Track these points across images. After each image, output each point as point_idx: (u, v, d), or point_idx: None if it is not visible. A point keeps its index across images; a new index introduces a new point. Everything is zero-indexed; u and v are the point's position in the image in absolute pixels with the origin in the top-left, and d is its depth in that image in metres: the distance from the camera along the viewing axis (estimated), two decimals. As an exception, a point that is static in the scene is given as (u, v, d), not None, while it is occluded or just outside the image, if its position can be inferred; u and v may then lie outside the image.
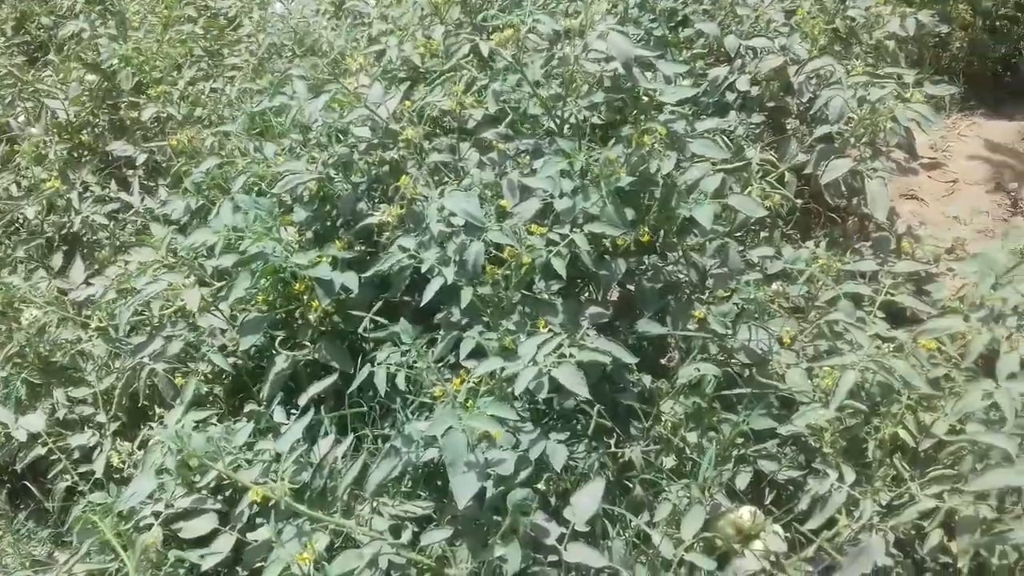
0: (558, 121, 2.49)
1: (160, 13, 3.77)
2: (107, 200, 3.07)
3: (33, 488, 2.05)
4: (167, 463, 1.67)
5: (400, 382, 1.83)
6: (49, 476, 2.10)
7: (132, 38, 3.58)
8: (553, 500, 1.91)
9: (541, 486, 1.73)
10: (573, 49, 2.29)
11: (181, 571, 1.78)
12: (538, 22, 2.32)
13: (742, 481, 2.02)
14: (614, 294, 2.58)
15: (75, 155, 3.35)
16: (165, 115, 3.31)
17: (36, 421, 2.02)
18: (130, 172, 3.34)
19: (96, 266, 2.86)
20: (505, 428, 1.64)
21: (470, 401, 1.65)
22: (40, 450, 2.04)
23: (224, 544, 1.76)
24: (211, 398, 2.24)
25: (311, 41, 3.76)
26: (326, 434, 1.90)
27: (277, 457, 1.83)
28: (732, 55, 3.26)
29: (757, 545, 1.92)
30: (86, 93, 3.51)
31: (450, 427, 1.56)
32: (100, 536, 1.71)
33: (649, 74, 2.51)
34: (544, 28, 2.32)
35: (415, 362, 1.75)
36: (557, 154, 2.24)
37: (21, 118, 3.54)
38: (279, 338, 2.31)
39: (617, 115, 2.75)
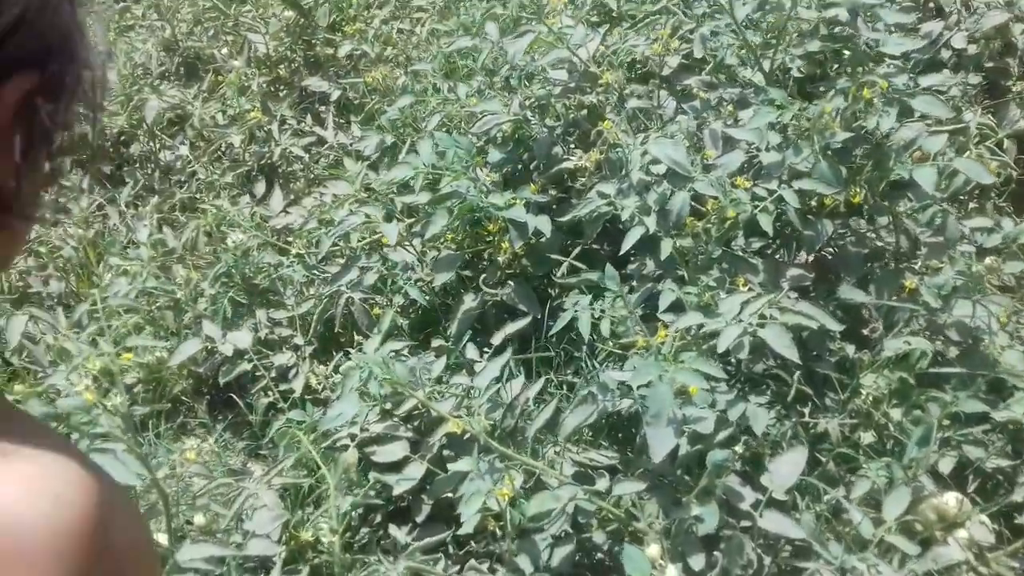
0: (763, 71, 2.37)
1: (356, -50, 3.84)
2: (303, 133, 3.18)
3: (239, 401, 2.17)
4: (370, 388, 1.72)
5: (592, 329, 1.81)
6: (252, 392, 2.22)
7: (331, -26, 3.66)
8: (740, 465, 1.86)
9: (739, 449, 1.67)
10: (793, -7, 2.15)
11: (372, 492, 1.84)
12: (756, -37, 2.20)
13: (946, 465, 1.89)
14: (806, 257, 2.46)
15: (273, 88, 3.49)
16: (359, 52, 3.39)
17: (244, 338, 2.13)
18: (322, 108, 3.45)
19: (291, 196, 2.98)
20: (703, 387, 1.59)
21: (673, 354, 1.61)
22: (246, 366, 2.15)
23: (415, 471, 1.81)
24: (399, 330, 2.30)
25: (501, -18, 3.74)
26: (514, 375, 1.91)
27: (467, 392, 1.86)
28: (946, 9, 3.03)
29: (961, 534, 1.80)
30: (284, 29, 3.64)
31: (653, 378, 1.52)
32: (301, 452, 1.79)
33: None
34: (761, -30, 2.20)
35: (615, 310, 1.72)
36: (766, 104, 2.13)
37: (224, 50, 3.71)
38: (465, 277, 2.34)
39: (818, 68, 2.60)
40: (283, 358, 2.20)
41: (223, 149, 3.16)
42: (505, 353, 1.83)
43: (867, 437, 1.93)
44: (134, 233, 2.67)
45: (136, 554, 0.54)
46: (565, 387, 2.03)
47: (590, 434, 1.98)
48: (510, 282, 2.15)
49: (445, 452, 1.95)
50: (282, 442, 1.81)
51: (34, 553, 0.47)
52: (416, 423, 2.02)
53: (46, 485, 0.49)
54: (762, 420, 1.67)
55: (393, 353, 1.91)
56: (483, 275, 2.38)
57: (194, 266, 2.47)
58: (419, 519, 1.90)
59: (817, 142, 2.05)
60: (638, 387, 1.65)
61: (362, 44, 3.35)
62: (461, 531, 1.55)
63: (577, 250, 2.05)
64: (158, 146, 3.24)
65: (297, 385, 2.13)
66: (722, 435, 1.65)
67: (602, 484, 1.61)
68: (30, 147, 0.47)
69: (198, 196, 2.90)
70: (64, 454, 0.51)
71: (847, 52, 2.45)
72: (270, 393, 2.11)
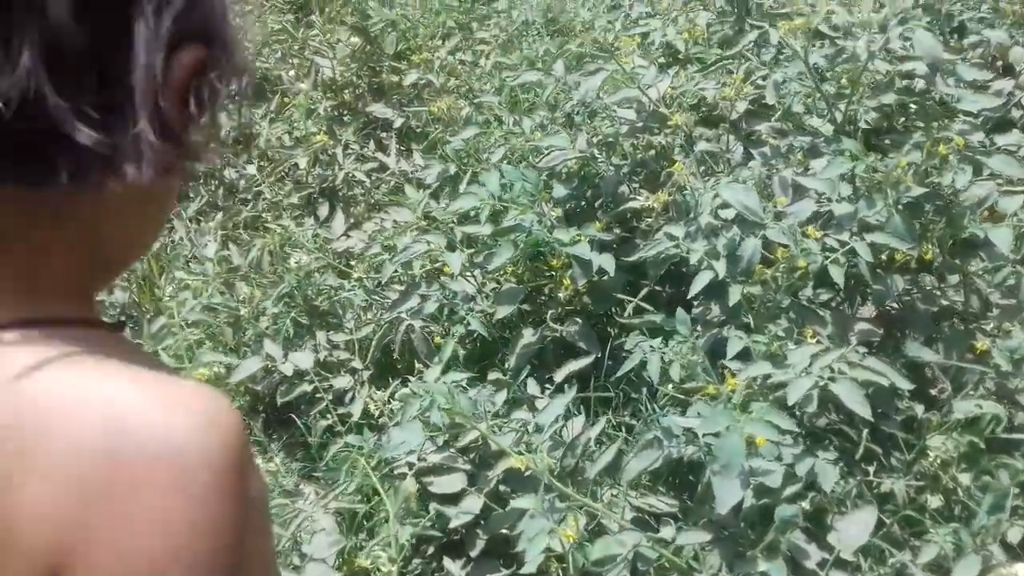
0: (834, 121, 2.36)
1: (425, -19, 3.90)
2: (365, 159, 3.22)
3: (298, 421, 2.18)
4: (432, 417, 1.72)
5: (655, 372, 1.80)
6: (308, 413, 2.23)
7: (398, 3, 3.73)
8: (804, 521, 1.82)
9: (805, 505, 1.64)
10: (870, 44, 2.15)
11: (428, 523, 1.83)
12: (832, 13, 2.20)
13: (1015, 535, 1.85)
14: (869, 311, 2.43)
15: (338, 113, 3.54)
16: (423, 82, 3.43)
17: (306, 359, 2.15)
18: (384, 134, 3.49)
19: (351, 220, 3.01)
20: (775, 439, 1.57)
21: (742, 404, 1.59)
22: (306, 387, 2.16)
23: (473, 504, 1.81)
24: (455, 361, 2.30)
25: (565, 20, 3.78)
26: (575, 414, 1.90)
27: (528, 428, 1.85)
28: (1016, 68, 3.01)
29: (1029, 605, 1.75)
30: (350, 55, 3.70)
31: (724, 428, 1.51)
32: (361, 478, 1.79)
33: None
34: (839, 20, 2.20)
35: (684, 355, 1.71)
36: (840, 155, 2.12)
37: (291, 72, 3.78)
38: (523, 311, 2.34)
39: (885, 120, 2.59)
40: (342, 381, 2.21)
41: (287, 170, 3.21)
42: (570, 391, 1.82)
43: (934, 501, 1.88)
44: (198, 248, 2.71)
45: (261, 501, 0.55)
46: (624, 429, 2.01)
47: (648, 479, 1.96)
48: (576, 320, 2.15)
49: (501, 487, 1.95)
50: (343, 466, 1.81)
51: (194, 479, 0.47)
52: (472, 455, 2.02)
53: (202, 408, 0.49)
54: (831, 477, 1.64)
55: (454, 384, 1.90)
56: (543, 310, 2.38)
57: (256, 284, 2.50)
58: (473, 553, 1.89)
59: (891, 196, 2.03)
60: (704, 435, 1.63)
61: (427, 74, 3.40)
62: (523, 571, 1.54)
63: (644, 291, 2.04)
64: (223, 164, 3.30)
65: (356, 409, 2.14)
66: (789, 490, 1.62)
67: (667, 532, 1.59)
68: (200, 106, 0.53)
69: (263, 215, 2.94)
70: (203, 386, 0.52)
71: (914, 106, 2.44)
72: (328, 416, 2.12)
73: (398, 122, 3.40)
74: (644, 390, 2.06)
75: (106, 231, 0.57)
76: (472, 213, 2.43)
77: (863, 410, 1.63)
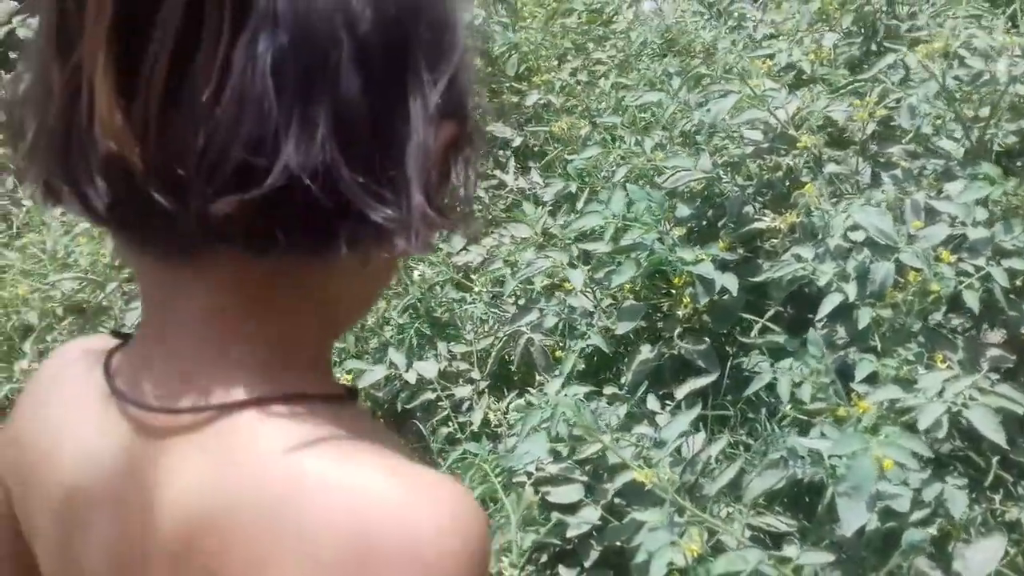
0: (971, 143, 2.31)
1: (547, 4, 3.99)
2: (485, 176, 3.30)
3: (422, 428, 2.26)
4: (558, 429, 1.76)
5: (785, 393, 1.79)
6: (426, 421, 2.31)
7: (520, 27, 3.82)
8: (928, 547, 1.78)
9: (932, 531, 1.61)
10: (1011, 68, 2.09)
11: (544, 531, 1.87)
12: (973, 36, 2.15)
13: None
14: (998, 337, 2.35)
15: (459, 132, 3.64)
16: (544, 102, 3.50)
17: (430, 368, 2.22)
18: (502, 153, 3.58)
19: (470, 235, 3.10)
20: (909, 464, 1.54)
21: (872, 427, 1.57)
22: (429, 395, 2.24)
23: (590, 515, 1.83)
24: (574, 375, 2.33)
25: (686, 41, 3.80)
26: (697, 430, 1.91)
27: (648, 443, 1.87)
28: None
29: None
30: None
31: (857, 450, 1.49)
32: (484, 484, 1.84)
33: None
34: (979, 43, 2.15)
35: (815, 377, 1.70)
36: (976, 179, 2.07)
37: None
38: (640, 328, 2.36)
39: (1019, 144, 2.51)
40: (463, 391, 2.28)
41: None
42: (695, 408, 1.83)
43: (1068, 535, 1.81)
44: (327, 259, 2.84)
45: None
46: (743, 448, 2.01)
47: (764, 500, 1.95)
48: (705, 338, 2.16)
49: (616, 500, 1.97)
50: (467, 473, 1.87)
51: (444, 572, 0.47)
52: (588, 468, 2.05)
53: (449, 510, 0.49)
54: (960, 503, 1.60)
55: (575, 397, 1.94)
56: (659, 328, 2.40)
57: (382, 295, 2.60)
58: (587, 564, 1.92)
59: (1031, 221, 1.97)
60: (831, 456, 1.62)
61: (548, 94, 3.47)
62: (645, 582, 1.56)
63: (771, 312, 2.03)
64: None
65: (476, 418, 2.20)
66: (916, 515, 1.59)
67: (790, 551, 1.58)
68: (459, 180, 0.55)
69: (388, 228, 3.05)
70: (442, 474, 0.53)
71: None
72: (450, 423, 2.19)
73: (517, 141, 3.48)
74: (763, 411, 2.05)
75: (335, 295, 0.57)
76: (591, 231, 2.47)
77: (998, 436, 1.59)
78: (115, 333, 0.62)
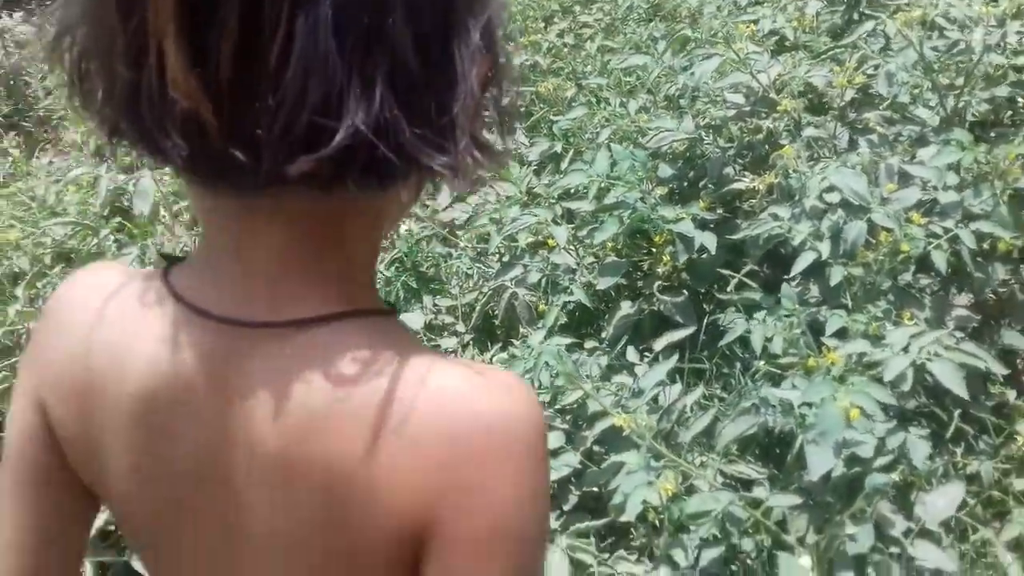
0: (944, 111, 2.37)
1: (534, -34, 4.00)
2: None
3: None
4: (540, 378, 1.83)
5: (747, 345, 1.87)
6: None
7: (508, -12, 3.84)
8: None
9: (895, 477, 1.70)
10: (987, 37, 2.16)
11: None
12: (951, 6, 2.21)
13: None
14: (966, 300, 2.44)
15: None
16: (531, 63, 3.53)
17: (416, 319, 2.28)
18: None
19: (455, 192, 3.14)
20: (874, 412, 1.63)
21: (840, 377, 1.66)
22: (416, 345, 2.30)
23: (570, 460, 1.91)
24: (556, 328, 2.40)
25: (672, 5, 3.83)
26: (674, 381, 1.99)
27: (627, 391, 1.95)
28: None
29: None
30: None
31: (825, 398, 1.57)
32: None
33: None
34: (957, 13, 2.21)
35: (787, 330, 1.78)
36: (949, 144, 2.14)
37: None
38: (621, 284, 2.43)
39: (993, 114, 2.59)
40: (448, 343, 2.35)
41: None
42: (672, 359, 1.90)
43: (1019, 483, 1.91)
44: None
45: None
46: (716, 400, 2.09)
47: (737, 448, 2.04)
48: (684, 291, 2.23)
49: (594, 447, 2.05)
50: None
51: (536, 449, 0.57)
52: (569, 416, 2.13)
53: (522, 394, 0.58)
54: (922, 451, 1.69)
55: (559, 347, 2.01)
56: (639, 284, 2.47)
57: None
58: (566, 507, 2.01)
59: (997, 186, 2.05)
60: (801, 405, 1.70)
61: (535, 55, 3.50)
62: (623, 518, 1.64)
63: (746, 269, 2.11)
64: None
65: (461, 368, 2.26)
66: (880, 461, 1.68)
67: (760, 493, 1.67)
68: (496, 113, 0.59)
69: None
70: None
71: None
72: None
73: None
74: (738, 364, 2.14)
75: (380, 223, 0.63)
76: (575, 189, 2.53)
77: (960, 389, 1.68)
78: (164, 256, 0.66)
